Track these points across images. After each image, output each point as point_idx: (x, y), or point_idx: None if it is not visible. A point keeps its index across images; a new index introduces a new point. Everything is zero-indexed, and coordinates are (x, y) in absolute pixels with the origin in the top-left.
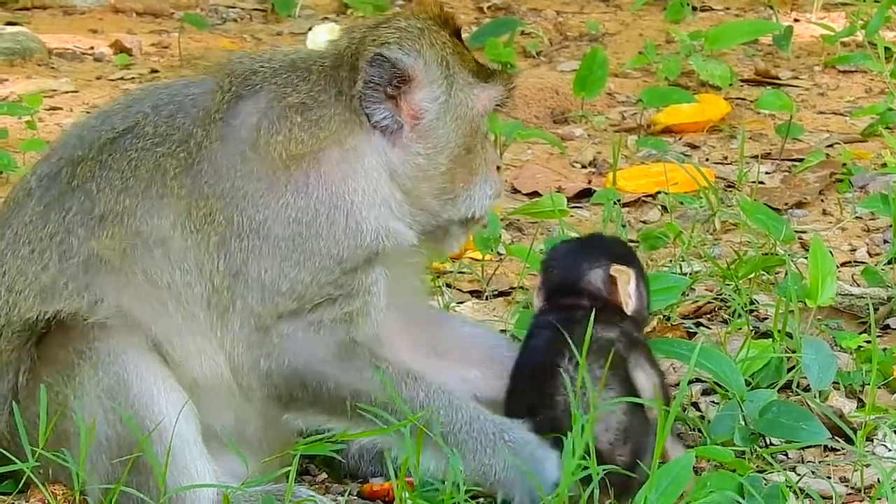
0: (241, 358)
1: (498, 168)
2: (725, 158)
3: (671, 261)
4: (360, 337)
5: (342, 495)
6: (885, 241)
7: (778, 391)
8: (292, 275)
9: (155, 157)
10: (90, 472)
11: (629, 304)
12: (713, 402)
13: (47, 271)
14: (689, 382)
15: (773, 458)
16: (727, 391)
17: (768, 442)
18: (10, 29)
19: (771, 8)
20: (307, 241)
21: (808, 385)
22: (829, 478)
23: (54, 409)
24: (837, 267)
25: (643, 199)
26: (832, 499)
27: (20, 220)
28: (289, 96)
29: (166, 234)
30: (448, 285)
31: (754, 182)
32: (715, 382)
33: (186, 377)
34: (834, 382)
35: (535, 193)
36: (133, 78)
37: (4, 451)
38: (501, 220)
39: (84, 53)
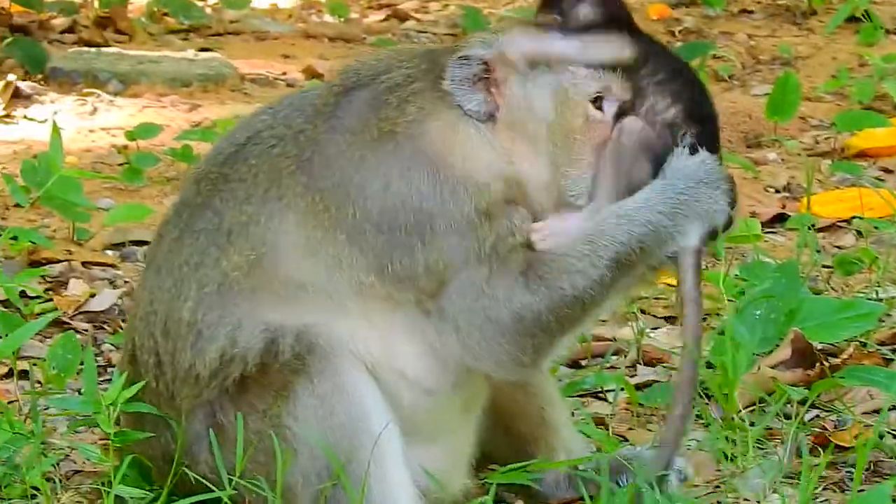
0: (448, 354)
1: None
2: None
3: (867, 286)
4: (532, 259)
5: None
6: None
7: None
8: (430, 256)
9: (271, 160)
10: (302, 484)
11: None
12: None
13: (188, 304)
14: (890, 409)
15: None
16: None
17: None
18: (203, 55)
19: None
20: (423, 223)
21: None
22: None
23: (267, 432)
24: None
25: (838, 224)
26: None
27: (161, 251)
28: (388, 81)
29: (294, 237)
30: (642, 311)
31: None
32: None
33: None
34: None
35: None
36: None
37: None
38: None
39: (276, 79)
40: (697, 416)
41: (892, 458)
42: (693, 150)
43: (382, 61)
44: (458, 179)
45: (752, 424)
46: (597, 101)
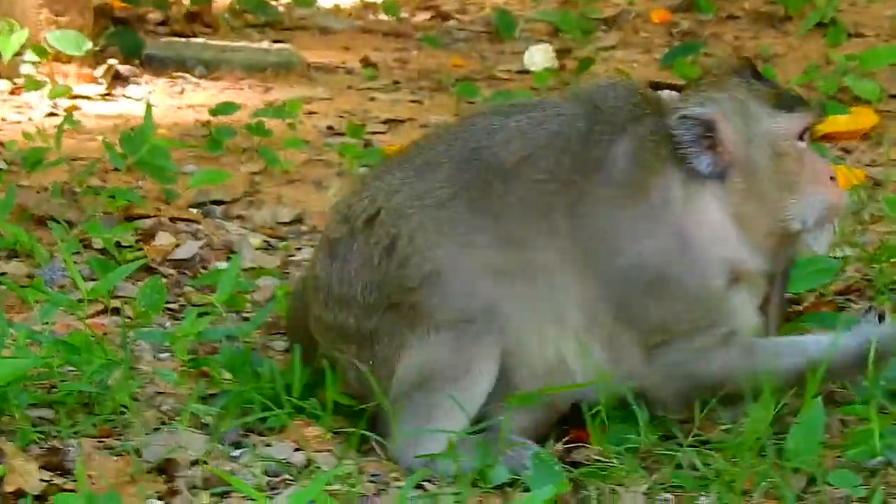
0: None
1: (832, 178)
2: (874, 161)
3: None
4: (735, 343)
5: (547, 441)
6: None
7: None
8: (659, 314)
9: (544, 195)
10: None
11: None
12: None
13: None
14: None
15: None
16: None
17: None
18: (276, 46)
19: None
20: (665, 284)
21: None
22: None
23: (396, 351)
24: None
25: None
26: None
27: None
28: (644, 141)
29: (553, 269)
30: None
31: None
32: None
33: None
34: None
35: None
36: (378, 88)
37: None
38: None
39: (337, 67)
40: None
41: (843, 389)
42: (881, 319)
43: (621, 103)
44: (699, 254)
45: None
46: (802, 135)
